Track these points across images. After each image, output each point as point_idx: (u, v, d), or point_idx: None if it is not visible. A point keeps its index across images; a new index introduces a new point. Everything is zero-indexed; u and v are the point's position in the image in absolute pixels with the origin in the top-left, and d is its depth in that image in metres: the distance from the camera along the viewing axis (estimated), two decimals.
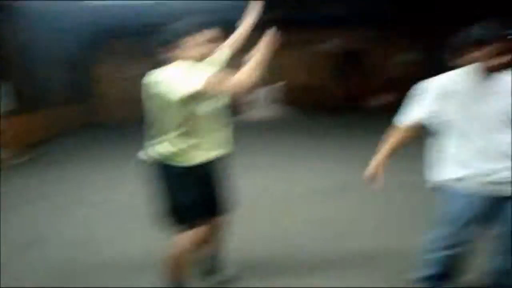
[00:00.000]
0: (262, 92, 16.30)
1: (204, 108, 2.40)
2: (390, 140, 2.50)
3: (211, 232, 2.68)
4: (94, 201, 5.25)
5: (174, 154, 2.44)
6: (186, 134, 2.42)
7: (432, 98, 2.30)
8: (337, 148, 7.85)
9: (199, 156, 2.47)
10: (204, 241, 2.57)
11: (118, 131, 11.59)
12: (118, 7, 9.45)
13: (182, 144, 2.43)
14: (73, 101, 12.90)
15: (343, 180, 5.50)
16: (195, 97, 2.28)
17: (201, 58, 2.40)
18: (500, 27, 2.10)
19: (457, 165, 2.28)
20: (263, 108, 13.55)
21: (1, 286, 3.14)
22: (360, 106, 13.80)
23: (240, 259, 3.26)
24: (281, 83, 14.29)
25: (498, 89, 2.19)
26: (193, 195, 2.49)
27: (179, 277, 2.60)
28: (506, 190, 2.22)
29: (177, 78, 2.29)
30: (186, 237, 2.50)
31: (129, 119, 11.26)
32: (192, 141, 2.43)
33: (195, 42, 2.38)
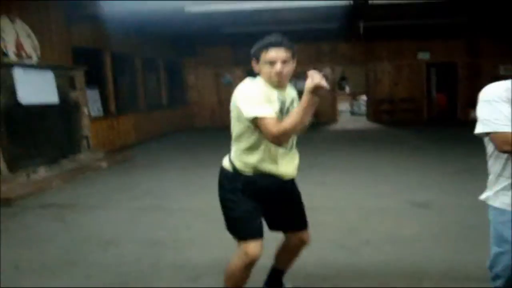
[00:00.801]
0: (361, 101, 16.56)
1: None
2: None
3: (285, 247, 2.74)
4: (172, 207, 5.55)
5: (238, 166, 2.47)
6: (250, 149, 2.43)
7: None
8: (428, 163, 7.72)
9: (259, 171, 2.46)
10: (256, 257, 2.46)
11: (210, 137, 12.01)
12: (217, 14, 9.59)
13: (244, 157, 2.45)
14: (166, 107, 13.56)
15: (426, 198, 5.44)
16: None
17: (268, 78, 2.37)
18: None
19: None
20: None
21: (75, 283, 3.40)
22: (458, 119, 13.90)
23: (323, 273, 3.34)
24: (375, 95, 14.50)
25: None
26: (247, 209, 2.48)
27: (241, 283, 2.60)
28: None
29: (243, 94, 2.32)
30: (241, 250, 2.47)
31: (220, 126, 11.70)
32: (254, 157, 2.44)
33: (263, 60, 2.35)
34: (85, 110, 8.94)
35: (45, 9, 8.26)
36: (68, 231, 4.80)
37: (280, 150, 2.44)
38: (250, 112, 2.24)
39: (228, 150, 2.57)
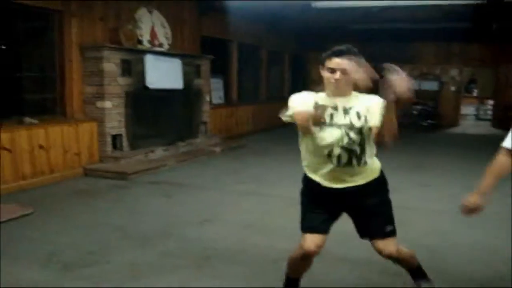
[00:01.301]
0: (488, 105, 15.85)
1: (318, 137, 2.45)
2: (497, 167, 2.36)
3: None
4: (270, 194, 5.85)
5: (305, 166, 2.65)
6: (303, 156, 2.62)
7: None
8: None
9: (318, 177, 2.56)
10: (309, 251, 2.57)
11: None
12: (346, 10, 9.73)
13: (306, 160, 2.62)
14: (287, 99, 13.91)
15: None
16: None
17: (332, 88, 2.42)
18: None
19: None
20: None
21: (168, 251, 3.81)
22: None
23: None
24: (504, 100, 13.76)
25: None
26: (311, 206, 2.64)
27: (292, 275, 2.81)
28: None
29: (296, 98, 2.37)
30: (300, 242, 2.62)
31: None
32: (305, 163, 2.63)
33: (325, 68, 2.43)
34: (207, 98, 9.51)
35: (180, 1, 8.91)
36: (172, 206, 5.28)
37: (328, 167, 2.48)
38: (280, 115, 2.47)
39: None
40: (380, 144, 2.42)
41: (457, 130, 14.05)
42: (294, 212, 4.82)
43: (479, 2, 7.90)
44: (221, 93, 10.71)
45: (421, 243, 3.90)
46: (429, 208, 5.20)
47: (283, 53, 13.84)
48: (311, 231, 2.58)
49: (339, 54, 2.39)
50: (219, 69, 10.43)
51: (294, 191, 5.90)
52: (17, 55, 6.44)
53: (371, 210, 2.58)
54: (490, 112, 16.37)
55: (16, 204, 5.00)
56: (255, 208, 5.19)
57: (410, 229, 4.17)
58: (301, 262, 2.69)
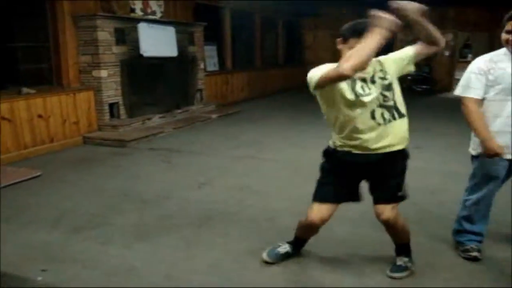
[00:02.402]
0: None
1: (345, 102, 2.48)
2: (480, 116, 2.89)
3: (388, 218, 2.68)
4: (266, 157, 6.01)
5: (331, 143, 2.70)
6: (334, 125, 2.62)
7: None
8: None
9: (346, 146, 2.59)
10: (313, 219, 2.72)
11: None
12: None
13: (333, 134, 2.66)
14: (281, 66, 14.04)
15: None
16: (322, 89, 2.45)
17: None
18: None
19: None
20: None
21: (167, 212, 4.01)
22: None
23: None
24: None
25: None
26: (325, 178, 2.73)
27: (300, 236, 3.00)
28: None
29: (316, 70, 2.46)
30: (310, 210, 2.75)
31: None
32: (338, 133, 2.60)
33: (349, 45, 2.42)
34: (201, 65, 9.55)
35: None
36: (171, 171, 5.44)
37: (368, 123, 2.49)
38: (312, 80, 2.44)
39: None
40: (434, 43, 2.58)
41: (451, 95, 14.13)
42: (288, 175, 5.07)
43: None
44: (215, 60, 10.73)
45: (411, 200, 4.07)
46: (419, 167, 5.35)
47: (277, 19, 13.79)
48: (320, 201, 2.70)
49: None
50: (213, 36, 10.42)
51: (289, 155, 6.12)
52: (10, 26, 6.46)
53: (390, 176, 2.65)
54: None
55: (25, 167, 5.18)
56: (251, 172, 5.34)
57: None
58: (307, 229, 2.87)
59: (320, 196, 2.72)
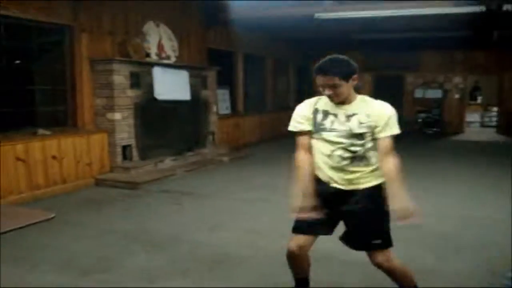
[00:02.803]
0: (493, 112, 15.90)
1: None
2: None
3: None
4: (277, 201, 5.86)
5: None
6: (318, 154, 2.67)
7: None
8: None
9: (323, 177, 2.66)
10: (291, 251, 2.75)
11: None
12: (348, 21, 9.76)
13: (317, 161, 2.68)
14: (293, 108, 13.99)
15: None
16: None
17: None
18: None
19: None
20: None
21: (179, 257, 3.92)
22: None
23: None
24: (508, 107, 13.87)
25: None
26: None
27: (294, 274, 2.92)
28: None
29: (297, 110, 2.71)
30: (291, 241, 2.77)
31: None
32: (323, 160, 2.64)
33: (317, 83, 2.54)
34: (214, 108, 9.66)
35: (186, 14, 9.13)
36: (182, 213, 5.43)
37: (331, 166, 2.59)
38: (289, 127, 2.73)
39: None
40: None
41: (462, 137, 14.11)
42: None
43: (479, 10, 8.02)
44: (228, 104, 10.87)
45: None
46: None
47: (288, 63, 14.02)
48: (297, 232, 2.73)
49: (321, 70, 2.48)
50: (226, 80, 10.60)
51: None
52: (30, 69, 6.63)
53: (363, 217, 2.59)
54: (495, 119, 16.43)
55: (39, 209, 5.21)
56: (263, 214, 5.32)
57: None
58: (290, 261, 2.83)
59: (296, 227, 2.74)
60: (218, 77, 9.77)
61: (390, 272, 2.67)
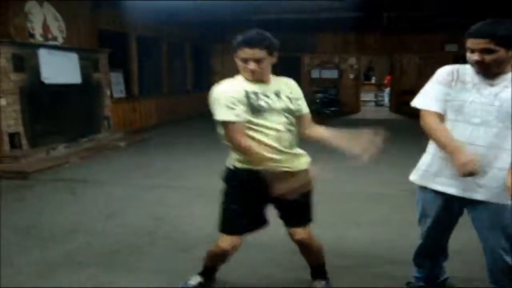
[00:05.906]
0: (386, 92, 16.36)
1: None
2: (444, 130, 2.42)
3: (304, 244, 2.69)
4: (178, 186, 5.90)
5: (232, 162, 2.57)
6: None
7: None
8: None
9: (248, 166, 2.48)
10: (224, 251, 2.63)
11: None
12: (246, 2, 9.57)
13: (234, 154, 2.54)
14: (190, 92, 13.80)
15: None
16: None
17: (243, 73, 2.47)
18: None
19: None
20: None
21: (76, 248, 3.81)
22: None
23: None
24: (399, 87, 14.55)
25: None
26: (233, 206, 2.58)
27: (209, 266, 2.86)
28: None
29: (213, 97, 2.44)
30: (220, 241, 2.64)
31: None
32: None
33: (238, 56, 2.43)
34: (107, 92, 9.32)
35: None
36: (77, 203, 5.21)
37: (277, 151, 2.45)
38: (217, 116, 2.42)
39: None
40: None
41: (358, 116, 14.89)
42: (202, 202, 5.01)
43: None
44: (122, 87, 10.51)
45: None
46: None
47: (185, 45, 13.82)
48: (229, 233, 2.60)
49: (249, 43, 2.37)
50: (119, 62, 10.23)
51: (200, 182, 6.08)
52: None
53: (297, 199, 2.49)
54: (387, 98, 17.29)
55: None
56: (162, 201, 5.23)
57: None
58: (218, 258, 2.77)
59: (229, 228, 2.61)
60: (112, 60, 9.43)
61: (309, 248, 2.71)
